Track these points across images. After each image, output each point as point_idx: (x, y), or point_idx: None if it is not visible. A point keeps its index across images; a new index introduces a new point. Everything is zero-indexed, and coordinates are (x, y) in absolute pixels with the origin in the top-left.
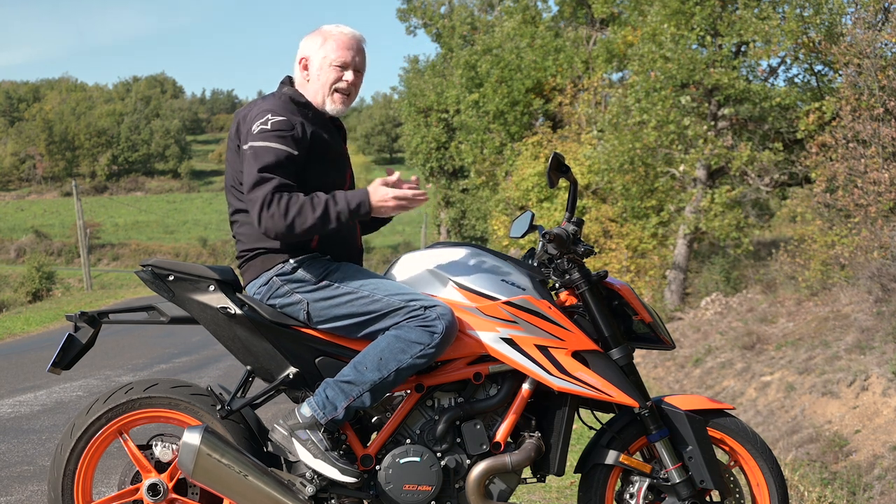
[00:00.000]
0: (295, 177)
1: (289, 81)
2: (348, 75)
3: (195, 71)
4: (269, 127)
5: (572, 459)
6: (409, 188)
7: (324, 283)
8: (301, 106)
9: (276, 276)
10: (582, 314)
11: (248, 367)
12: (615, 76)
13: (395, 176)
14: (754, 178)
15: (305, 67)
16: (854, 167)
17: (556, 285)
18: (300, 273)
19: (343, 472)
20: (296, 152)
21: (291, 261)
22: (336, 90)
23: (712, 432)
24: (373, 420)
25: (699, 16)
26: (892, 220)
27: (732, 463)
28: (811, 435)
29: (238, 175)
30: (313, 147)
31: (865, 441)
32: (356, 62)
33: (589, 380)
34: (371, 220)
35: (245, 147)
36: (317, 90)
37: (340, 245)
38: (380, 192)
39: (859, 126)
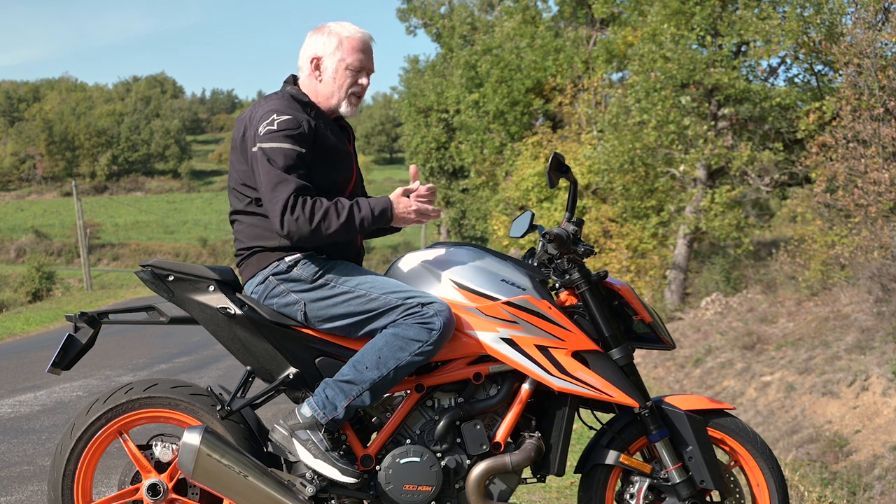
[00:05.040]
0: (308, 176)
1: (292, 80)
2: (364, 79)
3: (195, 71)
4: (275, 127)
5: (572, 459)
6: (429, 200)
7: (319, 282)
8: (304, 105)
9: (272, 274)
10: (582, 314)
11: (248, 368)
12: (615, 76)
13: (417, 184)
14: (754, 178)
15: (317, 67)
16: (854, 167)
17: (556, 285)
18: (295, 272)
19: (343, 472)
20: (304, 150)
21: (287, 259)
22: (353, 94)
23: (712, 432)
24: (373, 420)
25: (699, 16)
26: (893, 220)
27: (732, 463)
28: (811, 435)
29: (241, 177)
30: (319, 146)
31: (865, 441)
32: (369, 66)
33: (589, 380)
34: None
35: (254, 149)
36: (332, 92)
37: (338, 244)
38: (402, 203)
39: (859, 126)
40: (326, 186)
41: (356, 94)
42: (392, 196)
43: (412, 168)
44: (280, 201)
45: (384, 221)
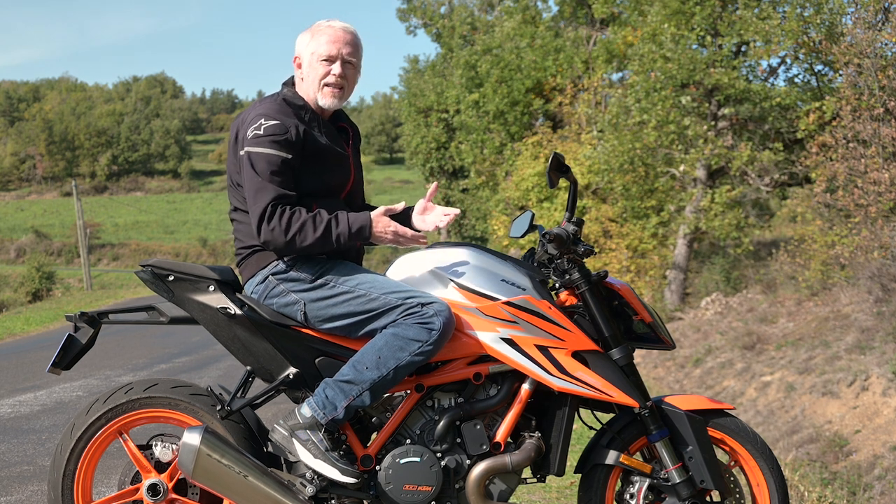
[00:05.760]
0: (292, 182)
1: (291, 82)
2: (336, 68)
3: (195, 71)
4: (262, 132)
5: (572, 459)
6: (413, 234)
7: (319, 282)
8: (297, 108)
9: (272, 274)
10: (582, 314)
11: (248, 368)
12: (615, 76)
13: (402, 205)
14: (754, 178)
15: (299, 66)
16: (854, 167)
17: (556, 285)
18: (295, 272)
19: (343, 472)
20: (290, 156)
21: (286, 258)
22: (325, 84)
23: (712, 432)
24: (373, 420)
25: (699, 16)
26: (893, 220)
27: (732, 463)
28: (811, 435)
29: (237, 176)
30: (309, 150)
31: (865, 441)
32: (344, 54)
33: (589, 380)
34: None
35: (241, 153)
36: (309, 86)
37: None
38: (381, 223)
39: (859, 126)
40: (320, 189)
41: (329, 84)
42: (373, 214)
43: (433, 185)
44: (258, 209)
45: (361, 238)
